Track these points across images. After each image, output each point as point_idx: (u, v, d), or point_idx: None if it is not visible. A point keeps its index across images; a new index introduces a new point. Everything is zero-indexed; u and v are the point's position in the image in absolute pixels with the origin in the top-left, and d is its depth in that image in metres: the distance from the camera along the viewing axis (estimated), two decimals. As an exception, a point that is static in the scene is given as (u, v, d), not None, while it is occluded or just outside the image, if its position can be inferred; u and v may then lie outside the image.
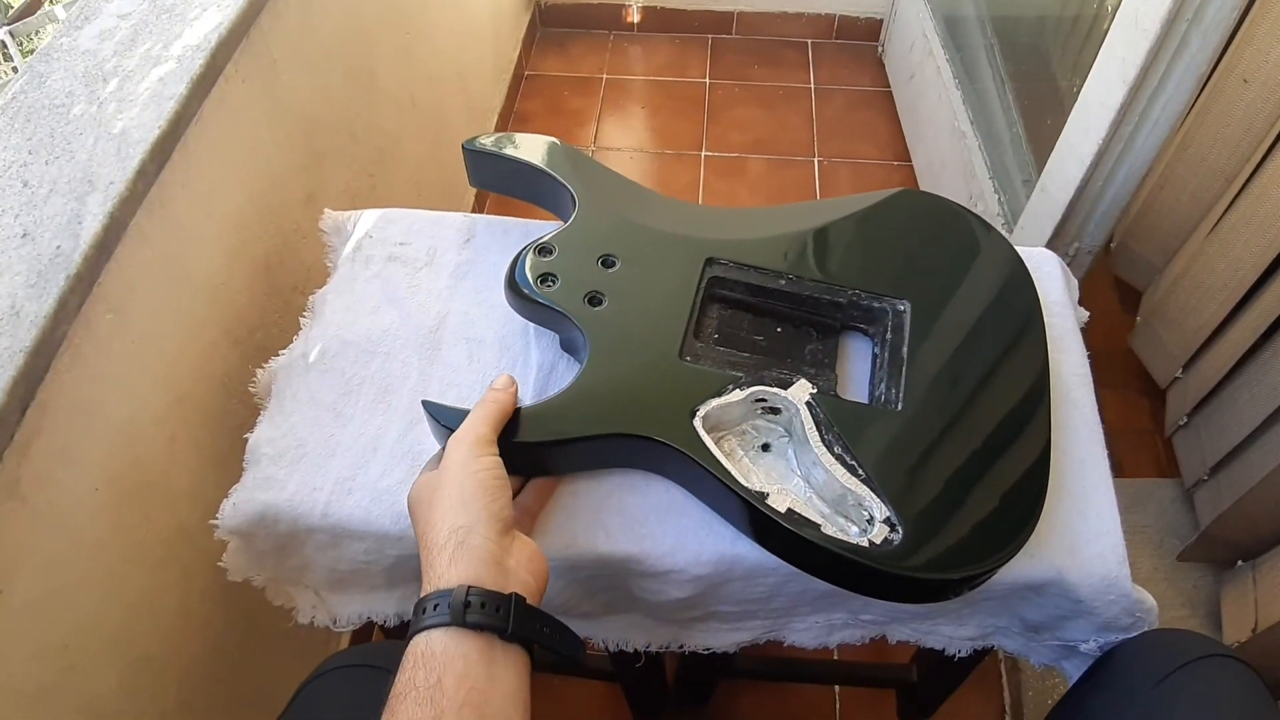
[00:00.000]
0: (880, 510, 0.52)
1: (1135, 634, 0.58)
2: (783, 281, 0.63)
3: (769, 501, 0.51)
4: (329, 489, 0.58)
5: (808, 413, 0.56)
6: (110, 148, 0.61)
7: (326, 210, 0.74)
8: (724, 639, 0.64)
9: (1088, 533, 0.57)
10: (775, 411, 0.58)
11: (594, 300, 0.59)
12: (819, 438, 0.55)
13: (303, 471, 0.59)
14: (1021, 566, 0.56)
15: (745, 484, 0.52)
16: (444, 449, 0.51)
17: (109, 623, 0.62)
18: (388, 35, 1.11)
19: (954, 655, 0.65)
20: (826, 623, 0.64)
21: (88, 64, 0.68)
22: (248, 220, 0.78)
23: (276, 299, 0.82)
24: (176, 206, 0.67)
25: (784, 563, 0.54)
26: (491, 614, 0.42)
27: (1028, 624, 0.62)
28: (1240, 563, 1.02)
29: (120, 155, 0.61)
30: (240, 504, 0.58)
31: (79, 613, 0.59)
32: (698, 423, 0.54)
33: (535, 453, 0.54)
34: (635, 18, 1.95)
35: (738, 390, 0.56)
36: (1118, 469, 1.21)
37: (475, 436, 0.49)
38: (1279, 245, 0.97)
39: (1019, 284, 0.65)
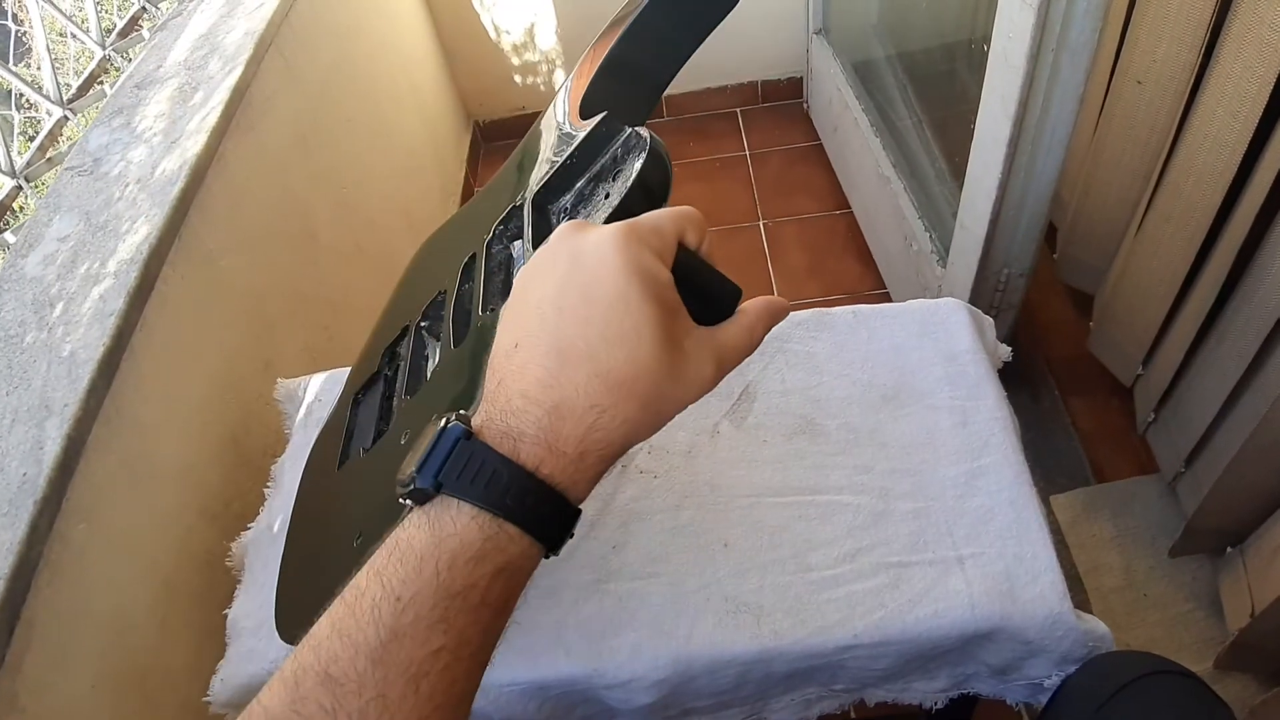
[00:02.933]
0: None
1: (1086, 663, 0.60)
2: None
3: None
4: (303, 655, 0.61)
5: None
6: (62, 371, 0.67)
7: (279, 380, 0.79)
8: (707, 732, 0.66)
9: (1024, 575, 0.59)
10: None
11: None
12: None
13: (280, 640, 0.62)
14: (966, 619, 0.58)
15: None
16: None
17: (125, 813, 0.65)
18: (322, 196, 1.18)
19: (931, 708, 0.66)
20: (802, 698, 0.66)
21: (35, 290, 0.74)
22: (208, 402, 0.83)
23: (248, 468, 0.87)
24: (133, 411, 0.72)
25: (743, 650, 0.56)
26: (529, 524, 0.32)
27: (993, 668, 0.63)
28: (1229, 549, 1.02)
29: (71, 377, 0.66)
30: (228, 679, 0.62)
31: (94, 811, 0.62)
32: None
33: None
34: (572, 116, 2.04)
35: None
36: (1099, 474, 1.23)
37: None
38: (1200, 235, 1.00)
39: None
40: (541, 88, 1.98)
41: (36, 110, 1.02)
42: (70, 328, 0.70)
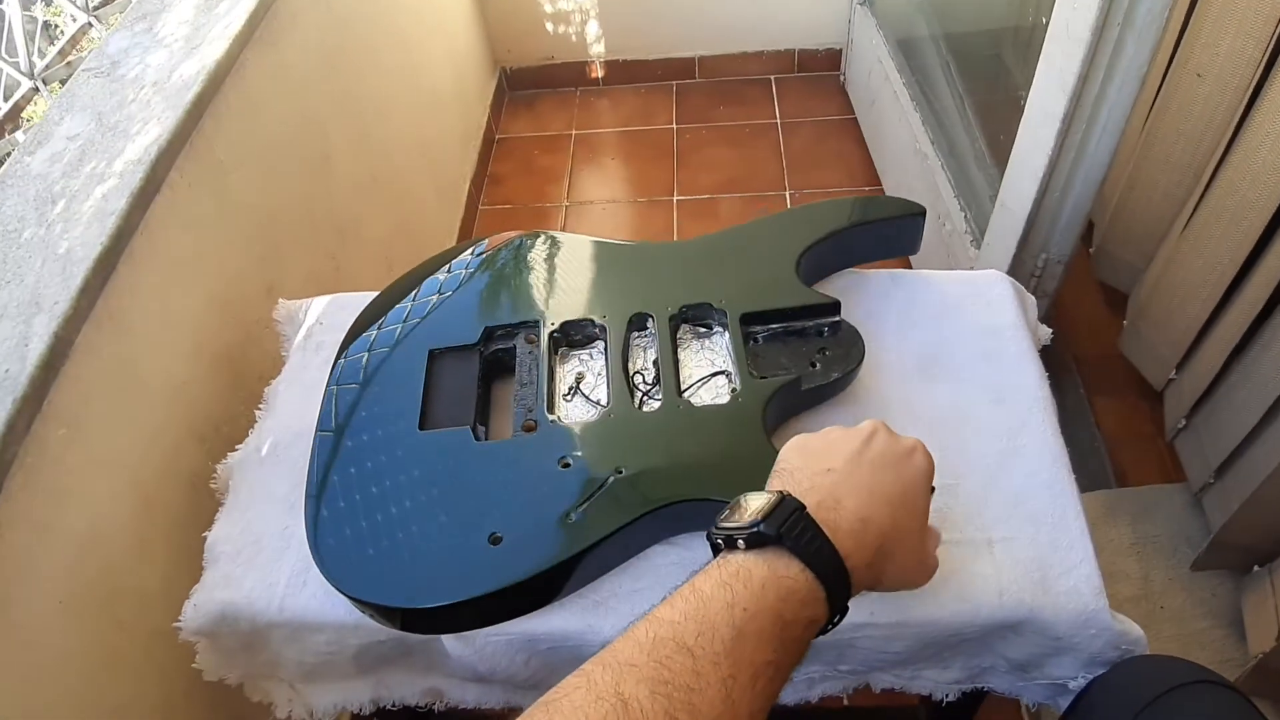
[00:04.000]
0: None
1: (1121, 664, 0.56)
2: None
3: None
4: (284, 583, 0.58)
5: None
6: (56, 268, 0.63)
7: (280, 300, 0.76)
8: (700, 702, 0.63)
9: (1058, 565, 0.55)
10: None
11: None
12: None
13: (259, 567, 0.59)
14: (993, 606, 0.54)
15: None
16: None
17: (88, 734, 0.62)
18: (341, 120, 1.13)
19: (942, 700, 0.63)
20: (804, 677, 0.62)
21: (39, 187, 0.71)
22: (206, 319, 0.79)
23: (242, 391, 0.83)
24: (127, 316, 0.68)
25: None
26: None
27: (1013, 663, 0.60)
28: (1257, 568, 0.98)
29: (64, 275, 0.62)
30: (201, 604, 0.58)
31: (56, 727, 0.59)
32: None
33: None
34: (599, 73, 1.99)
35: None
36: (1121, 478, 1.19)
37: None
38: (1253, 237, 0.95)
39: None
40: (573, 38, 1.93)
41: (61, 17, 0.98)
42: (70, 225, 0.66)
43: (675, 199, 1.71)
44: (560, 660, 0.58)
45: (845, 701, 1.00)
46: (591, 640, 0.55)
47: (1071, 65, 0.85)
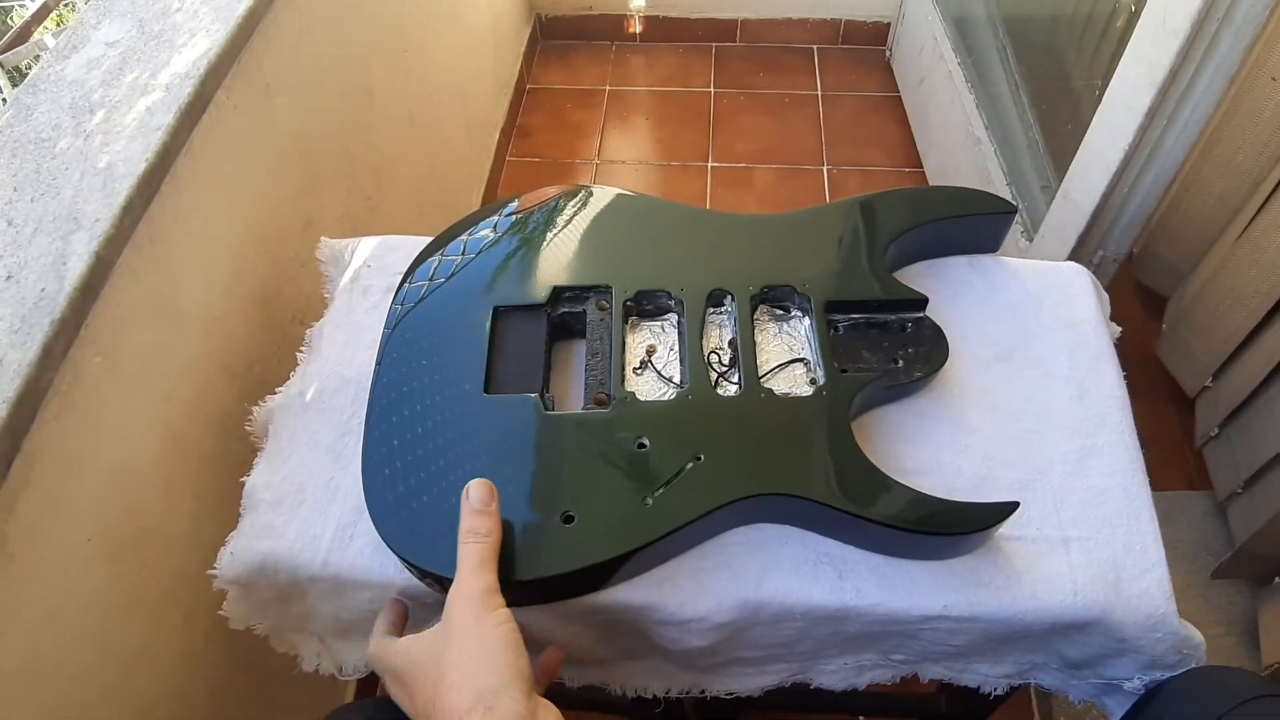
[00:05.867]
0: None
1: (1181, 671, 0.55)
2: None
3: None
4: (330, 536, 0.55)
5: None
6: (96, 183, 0.59)
7: (323, 239, 0.72)
8: (747, 683, 0.61)
9: (1133, 567, 0.54)
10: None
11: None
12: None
13: (302, 518, 0.56)
14: (1065, 605, 0.52)
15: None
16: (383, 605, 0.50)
17: (108, 674, 0.60)
18: (384, 54, 1.09)
19: (990, 693, 0.62)
20: (856, 664, 0.61)
21: (74, 95, 0.66)
22: (243, 250, 0.76)
23: (275, 331, 0.80)
24: (167, 240, 0.64)
25: (818, 603, 0.52)
26: None
27: (1068, 661, 0.59)
28: (1277, 580, 0.98)
29: (106, 191, 0.58)
30: (239, 553, 0.56)
31: (77, 665, 0.57)
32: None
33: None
34: (637, 28, 1.93)
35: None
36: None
37: (484, 587, 0.45)
38: (1313, 249, 0.93)
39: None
40: (613, -12, 1.86)
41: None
42: (110, 137, 0.62)
43: (710, 165, 1.67)
44: (617, 632, 0.56)
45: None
46: (652, 616, 0.53)
47: (1163, 58, 0.82)
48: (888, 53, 1.85)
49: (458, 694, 0.40)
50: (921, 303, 0.61)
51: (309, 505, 0.57)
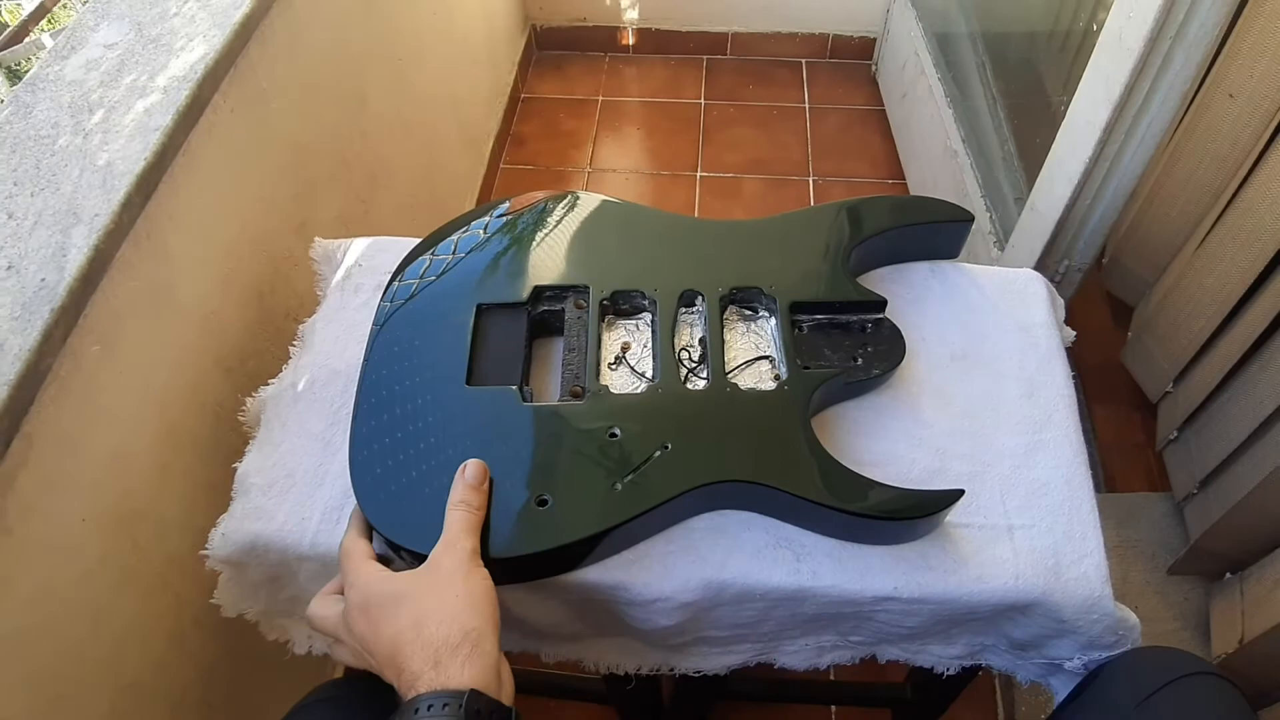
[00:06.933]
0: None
1: (1119, 651, 0.58)
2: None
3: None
4: (317, 519, 0.58)
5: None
6: (95, 180, 0.62)
7: (317, 239, 0.75)
8: (714, 662, 0.64)
9: (1072, 553, 0.58)
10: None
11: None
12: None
13: (292, 501, 0.59)
14: (1008, 588, 0.56)
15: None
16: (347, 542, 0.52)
17: (98, 650, 0.62)
18: (379, 61, 1.12)
19: (943, 673, 0.65)
20: (816, 645, 0.64)
21: (73, 94, 0.69)
22: (239, 249, 0.79)
23: (269, 327, 0.83)
24: (164, 237, 0.67)
25: (777, 584, 0.55)
26: None
27: (1014, 642, 0.62)
28: (1228, 575, 1.02)
29: (105, 188, 0.61)
30: (229, 534, 0.58)
31: (67, 641, 0.59)
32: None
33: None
34: (630, 40, 1.97)
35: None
36: (1110, 483, 1.22)
37: (470, 547, 0.49)
38: (1265, 259, 0.97)
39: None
40: (607, 1, 1.89)
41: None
42: (109, 137, 0.65)
43: (699, 175, 1.71)
44: (590, 611, 0.59)
45: (831, 675, 1.03)
46: (621, 596, 0.56)
47: (1120, 75, 0.86)
48: (873, 67, 1.89)
49: (447, 628, 0.44)
50: (881, 304, 0.65)
51: (298, 489, 0.60)
